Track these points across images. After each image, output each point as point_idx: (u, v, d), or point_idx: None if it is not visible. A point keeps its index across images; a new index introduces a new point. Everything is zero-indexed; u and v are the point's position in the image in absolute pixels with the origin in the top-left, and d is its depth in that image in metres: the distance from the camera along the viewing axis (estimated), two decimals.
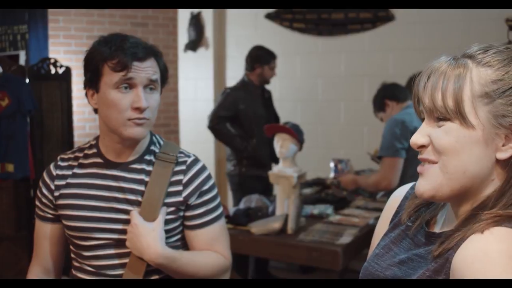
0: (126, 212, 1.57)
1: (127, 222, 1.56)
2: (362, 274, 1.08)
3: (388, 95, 3.43)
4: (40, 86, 4.22)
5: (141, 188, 1.59)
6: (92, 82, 1.54)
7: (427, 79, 0.96)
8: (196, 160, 1.67)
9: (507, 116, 0.90)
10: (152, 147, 1.65)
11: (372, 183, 3.33)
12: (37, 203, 1.68)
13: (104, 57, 1.49)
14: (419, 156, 0.98)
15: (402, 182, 2.99)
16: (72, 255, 1.66)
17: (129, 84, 1.50)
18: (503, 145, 0.91)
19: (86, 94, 1.59)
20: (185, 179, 1.62)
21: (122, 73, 1.48)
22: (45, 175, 1.67)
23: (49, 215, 1.65)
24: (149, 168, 1.61)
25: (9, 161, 3.91)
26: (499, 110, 0.90)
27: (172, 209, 1.60)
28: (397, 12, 4.80)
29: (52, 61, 4.35)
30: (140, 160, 1.62)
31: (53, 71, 4.33)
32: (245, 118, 4.40)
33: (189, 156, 1.67)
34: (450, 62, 0.95)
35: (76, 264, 1.65)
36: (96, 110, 1.60)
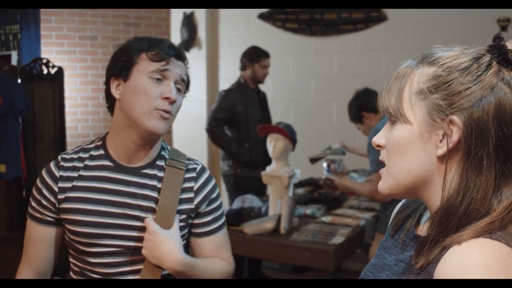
0: (139, 218, 1.52)
1: (140, 229, 1.51)
2: None
3: (364, 107, 3.22)
4: (32, 86, 4.21)
5: (155, 194, 1.55)
6: (122, 70, 1.50)
7: (386, 83, 0.99)
8: (204, 168, 1.68)
9: (441, 111, 0.89)
10: (163, 153, 1.62)
11: (368, 194, 3.25)
12: (33, 204, 1.57)
13: (143, 48, 1.50)
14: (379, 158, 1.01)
15: None
16: (72, 260, 1.59)
17: (163, 76, 1.49)
18: (440, 141, 0.90)
19: (108, 86, 1.54)
20: (196, 186, 1.62)
21: (161, 63, 1.49)
22: (45, 175, 1.56)
23: (49, 218, 1.56)
24: (161, 174, 1.58)
25: (1, 161, 3.89)
26: (433, 106, 0.90)
27: (183, 216, 1.59)
28: (390, 12, 4.82)
29: (44, 61, 4.34)
30: (152, 165, 1.58)
31: (45, 71, 4.32)
32: (242, 119, 4.39)
33: (197, 164, 1.67)
34: (405, 65, 0.97)
35: (76, 269, 1.58)
36: (111, 108, 1.56)
